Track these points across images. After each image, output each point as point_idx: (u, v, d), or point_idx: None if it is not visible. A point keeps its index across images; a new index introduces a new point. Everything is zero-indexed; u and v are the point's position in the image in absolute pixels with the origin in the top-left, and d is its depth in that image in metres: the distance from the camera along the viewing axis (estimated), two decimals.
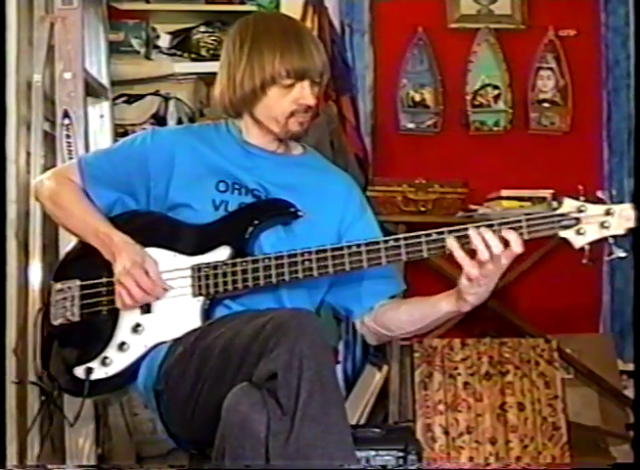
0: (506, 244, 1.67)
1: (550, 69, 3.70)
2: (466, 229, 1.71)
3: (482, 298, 1.75)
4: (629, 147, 3.66)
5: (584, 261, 1.69)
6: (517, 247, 1.67)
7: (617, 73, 3.70)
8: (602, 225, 1.67)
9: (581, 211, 1.68)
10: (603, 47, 3.72)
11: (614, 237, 1.67)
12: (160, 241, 1.90)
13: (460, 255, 1.70)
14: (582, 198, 1.69)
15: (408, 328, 1.91)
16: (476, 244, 1.68)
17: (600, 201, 1.68)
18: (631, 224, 1.66)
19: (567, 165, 3.62)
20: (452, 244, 1.70)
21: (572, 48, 3.70)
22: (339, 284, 1.95)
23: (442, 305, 1.82)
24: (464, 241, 1.70)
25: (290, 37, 1.87)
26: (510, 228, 1.68)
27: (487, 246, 1.67)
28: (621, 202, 1.68)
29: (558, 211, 1.69)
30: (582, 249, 1.68)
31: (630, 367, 3.47)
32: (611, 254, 1.68)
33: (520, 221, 1.69)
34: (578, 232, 1.68)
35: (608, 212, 1.67)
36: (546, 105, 3.69)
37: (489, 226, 1.69)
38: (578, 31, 3.71)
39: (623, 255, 1.67)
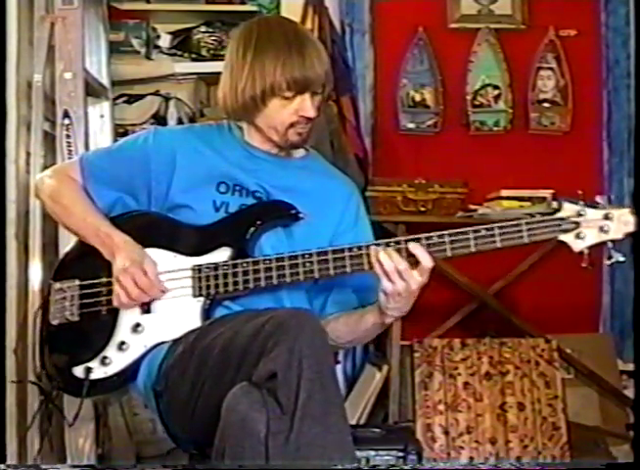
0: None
1: (550, 68, 3.70)
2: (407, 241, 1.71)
3: (404, 311, 1.76)
4: (629, 147, 3.65)
5: (583, 265, 1.69)
6: (426, 262, 1.69)
7: (617, 73, 3.70)
8: (601, 229, 1.68)
9: (581, 216, 1.69)
10: (603, 47, 3.72)
11: (612, 241, 1.68)
12: (160, 241, 1.90)
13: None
14: (582, 202, 1.69)
15: (346, 337, 1.90)
16: (374, 264, 1.70)
17: (599, 205, 1.69)
18: (630, 229, 1.67)
19: (567, 165, 3.63)
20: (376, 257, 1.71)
21: (573, 48, 3.70)
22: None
23: (369, 317, 1.83)
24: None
25: (292, 47, 1.85)
26: (509, 231, 1.69)
27: (384, 263, 1.68)
28: (621, 203, 1.68)
29: (557, 215, 1.70)
30: (581, 252, 1.69)
31: (630, 367, 3.47)
32: (610, 258, 1.69)
33: (520, 225, 1.70)
34: (578, 236, 1.69)
35: (607, 217, 1.68)
36: (546, 105, 3.69)
37: (441, 236, 1.70)
38: (579, 31, 3.71)
39: (622, 259, 1.68)
